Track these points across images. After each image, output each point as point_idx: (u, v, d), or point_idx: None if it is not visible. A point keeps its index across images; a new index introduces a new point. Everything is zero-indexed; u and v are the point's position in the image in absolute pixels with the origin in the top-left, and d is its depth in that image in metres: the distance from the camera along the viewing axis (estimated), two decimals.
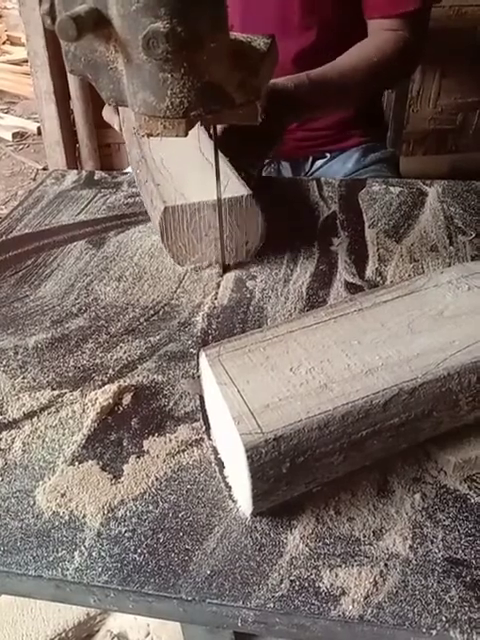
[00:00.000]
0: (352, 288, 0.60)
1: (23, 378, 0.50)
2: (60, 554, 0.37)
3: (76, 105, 1.94)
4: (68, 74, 1.83)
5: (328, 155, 1.05)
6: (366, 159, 1.03)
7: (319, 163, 1.05)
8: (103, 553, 0.37)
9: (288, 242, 0.67)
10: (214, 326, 0.55)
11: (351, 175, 1.01)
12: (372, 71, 0.80)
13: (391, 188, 0.79)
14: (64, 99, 1.93)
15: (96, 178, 0.86)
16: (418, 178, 0.82)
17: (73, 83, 1.90)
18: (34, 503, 0.40)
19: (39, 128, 2.74)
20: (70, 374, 0.50)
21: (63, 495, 0.40)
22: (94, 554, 0.37)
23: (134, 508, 0.39)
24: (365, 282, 0.61)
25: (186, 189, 0.61)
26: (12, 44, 3.98)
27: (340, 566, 0.36)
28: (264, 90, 0.46)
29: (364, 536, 0.37)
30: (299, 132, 1.01)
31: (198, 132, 0.71)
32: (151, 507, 0.39)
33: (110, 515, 0.39)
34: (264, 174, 1.05)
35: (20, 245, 0.70)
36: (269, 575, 0.35)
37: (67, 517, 0.39)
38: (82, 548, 0.37)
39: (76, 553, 0.37)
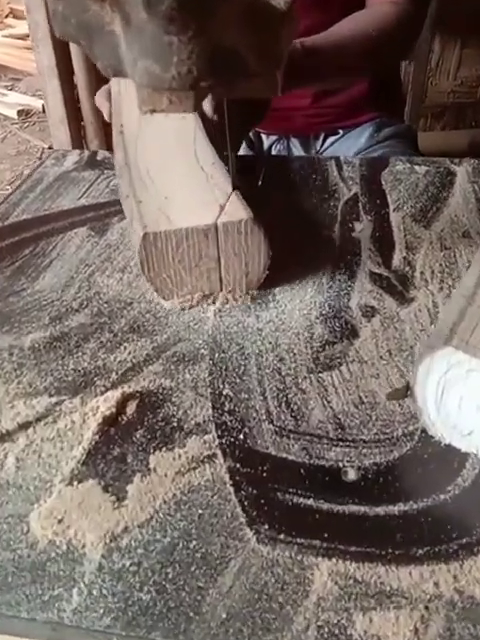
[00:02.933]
0: (378, 279, 0.54)
1: (18, 383, 0.46)
2: (56, 592, 0.33)
3: (80, 80, 1.87)
4: (70, 46, 1.76)
5: (341, 131, 0.98)
6: (380, 134, 0.97)
7: (331, 140, 0.99)
8: (105, 591, 0.33)
9: (305, 228, 0.62)
10: (226, 323, 0.50)
11: (364, 151, 0.94)
12: (371, 45, 0.72)
13: (416, 167, 0.73)
14: (68, 74, 1.85)
15: (99, 158, 0.80)
16: (437, 155, 0.75)
17: (76, 56, 1.82)
18: (28, 530, 0.35)
19: (44, 105, 2.67)
20: (69, 378, 0.46)
21: (60, 521, 0.36)
22: (95, 592, 0.32)
23: (140, 537, 0.35)
24: (392, 272, 0.55)
25: (173, 209, 0.50)
26: (15, 17, 3.86)
27: (374, 609, 0.31)
28: (285, 57, 0.40)
29: (402, 574, 0.33)
30: (311, 108, 0.94)
31: (194, 130, 0.61)
32: (159, 535, 0.35)
33: (113, 545, 0.35)
34: (274, 152, 0.99)
35: (17, 232, 0.65)
36: (294, 619, 0.31)
37: (65, 547, 0.35)
38: (81, 585, 0.33)
39: (74, 591, 0.33)
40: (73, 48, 1.80)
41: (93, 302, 0.54)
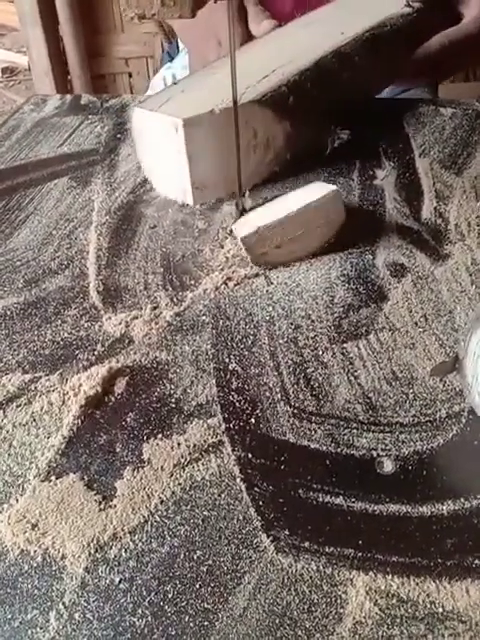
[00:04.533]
0: (407, 233, 0.47)
1: None
2: (30, 616, 0.26)
3: (65, 29, 1.74)
4: None
5: None
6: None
7: None
8: (89, 614, 0.26)
9: (320, 173, 0.54)
10: (231, 286, 0.43)
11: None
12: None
13: (441, 109, 0.65)
14: (52, 22, 1.73)
15: (83, 103, 0.71)
16: None
17: (61, 4, 1.69)
18: None
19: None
20: (46, 351, 0.39)
21: (35, 526, 0.29)
22: (77, 616, 0.26)
23: (131, 546, 0.28)
24: (422, 225, 0.48)
25: None
26: None
27: (425, 637, 0.25)
28: None
29: (457, 592, 0.26)
30: None
31: None
32: (155, 544, 0.28)
33: (99, 556, 0.28)
34: None
35: None
36: None
37: (40, 558, 0.28)
38: (60, 606, 0.26)
39: (52, 614, 0.26)
40: None
41: (74, 262, 0.46)
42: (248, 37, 0.66)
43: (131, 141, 0.62)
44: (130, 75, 1.90)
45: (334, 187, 0.43)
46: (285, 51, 0.57)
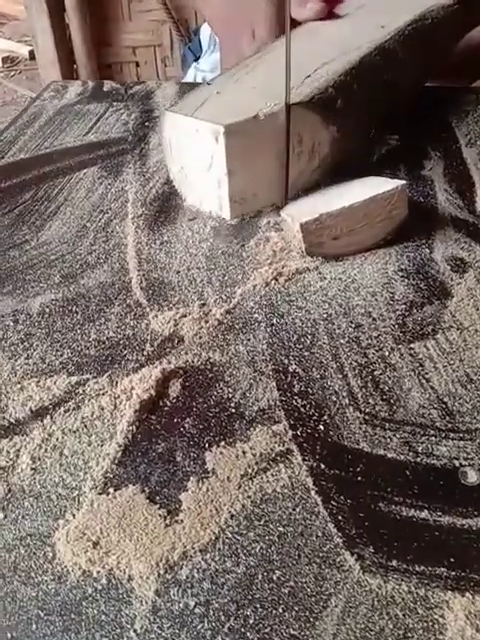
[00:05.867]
0: (463, 226, 0.44)
1: (27, 358, 0.36)
2: None
3: (71, 18, 1.71)
4: None
5: None
6: None
7: None
8: None
9: (365, 165, 0.51)
10: (281, 281, 0.41)
11: None
12: None
13: None
14: (58, 10, 1.69)
15: (105, 90, 0.69)
16: None
17: None
18: (54, 556, 0.27)
19: (31, 51, 2.48)
20: (92, 352, 0.36)
21: (96, 544, 0.27)
22: None
23: (204, 565, 0.26)
24: (477, 218, 0.45)
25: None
26: None
27: None
28: None
29: None
30: None
31: None
32: (229, 563, 0.26)
33: (169, 577, 0.26)
34: None
35: (15, 174, 0.54)
36: None
37: (105, 580, 0.26)
38: (131, 634, 0.24)
39: None
40: None
41: (113, 256, 0.44)
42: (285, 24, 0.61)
43: (160, 129, 0.59)
44: (137, 64, 1.86)
45: (402, 181, 0.41)
46: (325, 46, 0.52)
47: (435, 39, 0.58)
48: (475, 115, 0.59)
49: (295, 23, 0.57)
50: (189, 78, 0.91)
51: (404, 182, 0.41)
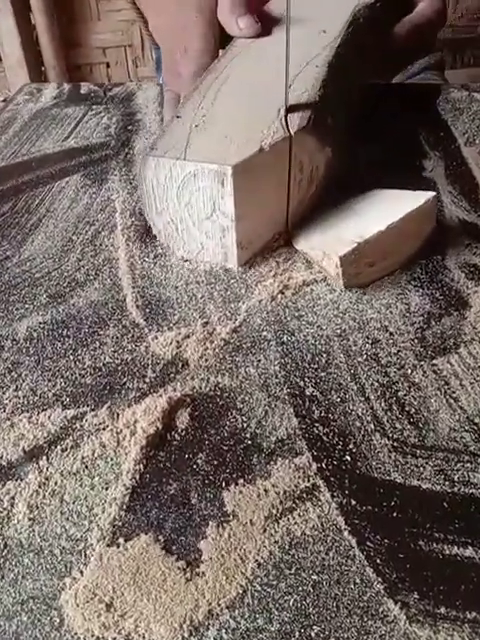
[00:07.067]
0: (473, 230, 0.43)
1: (16, 390, 0.33)
2: None
3: (38, 18, 1.65)
4: None
5: None
6: (414, 66, 0.85)
7: None
8: None
9: (366, 168, 0.49)
10: (288, 294, 0.38)
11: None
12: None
13: (476, 95, 0.61)
14: (23, 10, 1.63)
15: (83, 92, 0.65)
16: None
17: None
18: (61, 622, 0.24)
19: None
20: (88, 380, 0.33)
21: (110, 606, 0.24)
22: None
23: (233, 624, 0.23)
24: None
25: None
26: None
27: None
28: None
29: None
30: None
31: None
32: (262, 621, 0.23)
33: None
34: None
35: None
36: None
37: None
38: None
39: None
40: None
41: (103, 272, 0.41)
42: (219, 39, 0.53)
43: (145, 133, 0.56)
44: (108, 65, 1.81)
45: (432, 192, 0.38)
46: (277, 61, 0.42)
47: (372, 36, 0.54)
48: (469, 113, 0.57)
49: (228, 38, 0.53)
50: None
51: (434, 193, 0.38)
